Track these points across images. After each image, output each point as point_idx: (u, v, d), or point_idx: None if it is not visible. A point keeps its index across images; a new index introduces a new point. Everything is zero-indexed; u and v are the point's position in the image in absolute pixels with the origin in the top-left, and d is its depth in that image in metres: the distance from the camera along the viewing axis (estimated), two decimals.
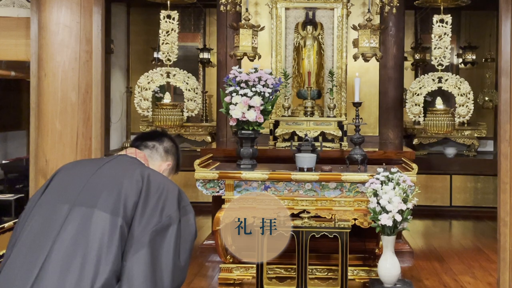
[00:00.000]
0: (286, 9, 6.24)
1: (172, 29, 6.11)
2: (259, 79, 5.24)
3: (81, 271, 1.84)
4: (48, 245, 1.88)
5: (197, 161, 5.14)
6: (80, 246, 1.87)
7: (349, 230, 4.76)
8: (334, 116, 6.05)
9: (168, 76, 6.14)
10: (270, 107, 5.29)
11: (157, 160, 2.36)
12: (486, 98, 9.35)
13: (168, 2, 6.48)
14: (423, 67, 9.43)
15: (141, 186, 2.01)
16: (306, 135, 5.55)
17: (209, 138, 9.06)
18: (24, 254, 1.91)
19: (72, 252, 1.86)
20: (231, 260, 5.28)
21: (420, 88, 6.10)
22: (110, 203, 1.94)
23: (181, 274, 2.01)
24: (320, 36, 6.35)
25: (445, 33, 6.06)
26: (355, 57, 5.91)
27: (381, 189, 4.60)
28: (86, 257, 1.85)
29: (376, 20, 6.30)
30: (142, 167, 2.16)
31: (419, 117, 6.17)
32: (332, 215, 4.96)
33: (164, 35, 6.11)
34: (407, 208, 4.57)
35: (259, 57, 5.95)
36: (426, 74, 6.19)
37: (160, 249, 1.92)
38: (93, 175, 2.05)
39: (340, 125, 6.03)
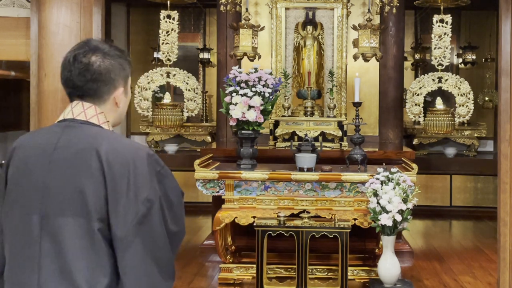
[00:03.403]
0: (286, 9, 6.24)
1: (172, 29, 6.11)
2: (259, 79, 5.24)
3: (79, 285, 1.73)
4: (35, 266, 1.76)
5: (197, 161, 5.14)
6: (68, 260, 1.73)
7: (349, 230, 4.76)
8: (334, 116, 6.04)
9: (168, 76, 6.14)
10: (270, 107, 5.30)
11: (106, 100, 1.93)
12: (486, 98, 9.35)
13: (168, 2, 6.49)
14: (423, 67, 9.42)
15: (103, 173, 1.75)
16: (306, 135, 5.55)
17: (209, 138, 9.06)
18: (16, 274, 1.81)
19: (63, 268, 1.74)
20: (231, 260, 5.27)
21: (420, 88, 6.10)
22: (78, 207, 1.74)
23: (178, 238, 1.88)
24: (320, 36, 6.34)
25: (445, 33, 6.06)
26: (355, 57, 5.91)
27: (381, 189, 4.60)
28: (78, 271, 1.74)
29: (376, 20, 6.29)
30: (97, 140, 1.81)
31: (419, 117, 6.17)
32: (332, 215, 4.96)
33: (164, 35, 6.11)
34: (407, 208, 4.57)
35: (259, 57, 5.95)
36: (426, 74, 6.19)
37: (149, 234, 1.77)
38: (49, 171, 1.79)
39: (340, 125, 6.03)
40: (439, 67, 6.06)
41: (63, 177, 1.78)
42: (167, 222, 1.81)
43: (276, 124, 6.09)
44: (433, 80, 6.09)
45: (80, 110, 1.89)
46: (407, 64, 9.27)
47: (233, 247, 5.59)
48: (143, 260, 1.75)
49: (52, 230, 1.76)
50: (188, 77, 6.16)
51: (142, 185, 1.77)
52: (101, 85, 1.90)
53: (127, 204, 1.74)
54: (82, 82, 1.88)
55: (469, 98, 5.98)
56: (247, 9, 5.90)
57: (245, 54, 5.85)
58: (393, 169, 4.77)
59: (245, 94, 5.18)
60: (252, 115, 5.16)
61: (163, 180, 1.83)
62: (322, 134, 5.99)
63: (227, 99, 5.26)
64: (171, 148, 8.95)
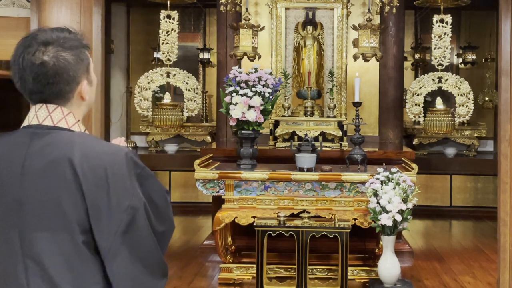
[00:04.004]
0: (286, 9, 6.24)
1: (172, 29, 6.11)
2: (259, 79, 5.24)
3: None
4: (24, 283, 1.67)
5: (197, 161, 5.14)
6: (52, 274, 1.65)
7: (349, 230, 4.76)
8: (334, 116, 6.04)
9: (168, 76, 6.14)
10: (270, 107, 5.30)
11: (71, 98, 1.74)
12: (486, 98, 9.35)
13: (168, 2, 6.49)
14: (423, 67, 9.42)
15: (80, 184, 1.62)
16: (306, 135, 5.55)
17: (209, 138, 9.06)
18: None
19: (50, 282, 1.66)
20: (231, 260, 5.28)
21: (420, 88, 6.10)
22: (58, 222, 1.64)
23: (167, 236, 1.80)
24: (320, 36, 6.34)
25: (445, 33, 6.06)
26: (355, 57, 5.91)
27: (381, 189, 4.60)
28: (66, 284, 1.65)
29: (376, 20, 6.29)
30: (68, 148, 1.66)
31: (419, 117, 6.18)
32: (332, 215, 4.96)
33: (164, 35, 6.11)
34: (407, 208, 4.57)
35: (259, 57, 5.95)
36: (426, 74, 6.20)
37: (136, 240, 1.68)
38: (22, 185, 1.67)
39: (340, 125, 6.03)
40: (439, 67, 6.06)
41: (38, 191, 1.65)
42: (153, 224, 1.72)
43: (276, 124, 6.09)
44: (433, 80, 6.09)
45: (45, 114, 1.72)
46: (407, 64, 9.27)
47: (233, 247, 5.59)
48: (132, 266, 1.68)
49: (32, 247, 1.66)
50: (188, 77, 6.16)
51: (123, 192, 1.65)
52: (61, 86, 1.70)
53: (109, 214, 1.63)
54: (39, 87, 1.70)
55: (469, 98, 5.98)
56: (247, 9, 5.90)
57: (245, 54, 5.85)
58: (393, 169, 4.77)
59: (245, 94, 5.18)
60: (252, 115, 5.16)
61: (144, 183, 1.71)
62: (322, 134, 5.99)
63: (227, 99, 5.26)
64: (171, 148, 8.95)
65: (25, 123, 1.75)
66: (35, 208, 1.65)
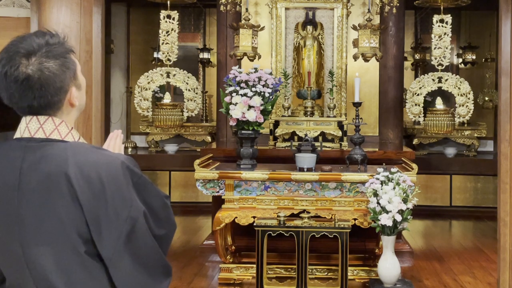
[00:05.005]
0: (286, 9, 6.24)
1: (172, 29, 6.11)
2: (259, 79, 5.24)
3: None
4: None
5: (197, 161, 5.14)
6: (57, 285, 1.64)
7: (349, 230, 4.76)
8: (334, 116, 6.04)
9: (168, 76, 6.14)
10: (270, 107, 5.30)
11: (61, 107, 1.70)
12: (486, 98, 9.34)
13: (168, 2, 6.48)
14: (423, 67, 9.43)
15: (77, 197, 1.61)
16: (306, 135, 5.55)
17: (209, 138, 9.06)
18: None
19: None
20: (231, 260, 5.28)
21: (420, 88, 6.10)
22: (58, 235, 1.63)
23: (168, 237, 1.79)
24: (320, 36, 6.35)
25: (445, 33, 6.06)
26: (355, 57, 5.92)
27: (381, 189, 4.60)
28: None
29: (376, 20, 6.29)
30: (63, 161, 1.62)
31: (419, 117, 6.17)
32: (332, 215, 4.96)
33: (164, 35, 6.11)
34: (407, 208, 4.57)
35: (259, 57, 5.95)
36: (426, 74, 6.19)
37: (137, 247, 1.68)
38: (19, 201, 1.64)
39: (340, 125, 6.03)
40: (439, 67, 6.06)
41: (36, 206, 1.63)
42: (154, 230, 1.71)
43: (276, 124, 6.09)
44: (433, 80, 6.09)
45: (37, 126, 1.68)
46: (407, 64, 9.27)
47: (233, 247, 5.59)
48: (134, 273, 1.68)
49: (35, 260, 1.65)
50: (188, 77, 6.16)
51: (121, 203, 1.63)
52: (49, 98, 1.66)
53: (108, 225, 1.62)
54: (27, 101, 1.66)
55: (469, 98, 5.98)
56: (247, 9, 5.90)
57: (245, 54, 5.85)
58: (393, 169, 4.77)
59: (245, 94, 5.18)
60: (252, 115, 5.16)
61: (142, 191, 1.69)
62: (322, 134, 5.99)
63: (227, 99, 5.26)
64: (171, 148, 8.95)
65: (17, 135, 1.71)
66: (35, 223, 1.64)
